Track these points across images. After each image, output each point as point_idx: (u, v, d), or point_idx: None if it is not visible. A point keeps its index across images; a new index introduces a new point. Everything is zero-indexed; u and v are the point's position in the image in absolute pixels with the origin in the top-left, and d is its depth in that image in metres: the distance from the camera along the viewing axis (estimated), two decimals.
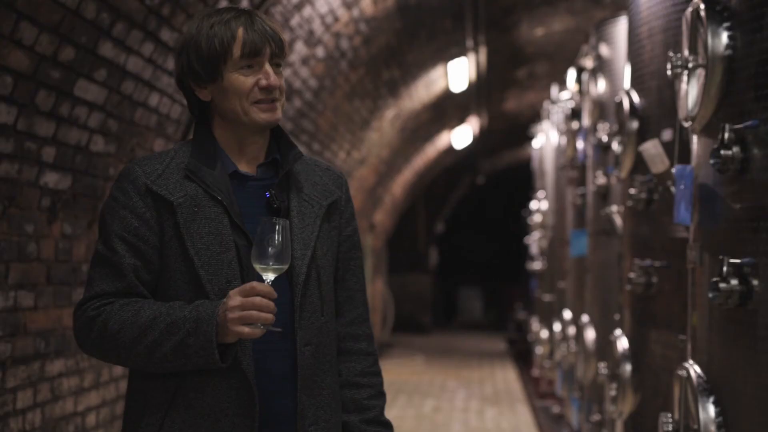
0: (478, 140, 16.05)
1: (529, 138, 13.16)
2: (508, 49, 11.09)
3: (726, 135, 2.64)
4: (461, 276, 22.60)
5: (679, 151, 3.49)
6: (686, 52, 3.02)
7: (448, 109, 13.38)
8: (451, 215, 22.26)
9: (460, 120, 14.39)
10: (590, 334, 5.95)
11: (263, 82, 2.30)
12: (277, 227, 2.18)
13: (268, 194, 2.35)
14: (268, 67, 2.31)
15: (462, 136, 15.16)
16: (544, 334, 9.76)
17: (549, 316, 9.44)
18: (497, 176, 21.56)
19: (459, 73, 10.96)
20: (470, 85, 11.81)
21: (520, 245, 14.67)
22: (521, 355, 14.71)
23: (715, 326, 2.84)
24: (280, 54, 2.33)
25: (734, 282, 2.58)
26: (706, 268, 2.94)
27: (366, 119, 10.46)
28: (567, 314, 7.59)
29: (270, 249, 2.17)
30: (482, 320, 21.93)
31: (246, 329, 2.16)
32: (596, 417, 5.70)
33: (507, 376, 12.98)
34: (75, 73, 3.97)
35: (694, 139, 3.12)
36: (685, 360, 3.11)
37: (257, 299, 2.15)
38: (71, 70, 3.93)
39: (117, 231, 2.27)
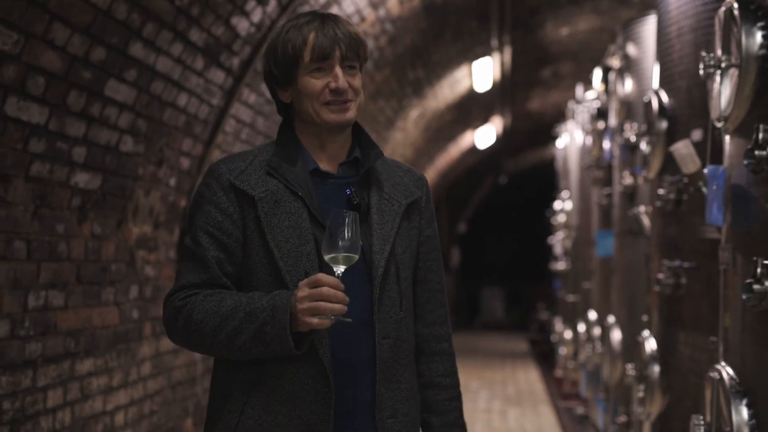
0: (502, 140, 16.03)
1: (553, 138, 13.12)
2: (533, 48, 11.06)
3: (760, 135, 2.63)
4: (484, 276, 22.57)
5: (710, 151, 3.47)
6: (719, 52, 3.00)
7: (472, 109, 13.36)
8: (474, 215, 22.24)
9: (484, 120, 14.36)
10: (616, 335, 5.93)
11: (332, 84, 2.38)
12: (347, 220, 2.23)
13: (348, 191, 2.43)
14: (338, 69, 2.39)
15: (485, 135, 15.13)
16: (568, 334, 9.73)
17: (573, 316, 9.41)
18: (520, 176, 21.52)
19: (483, 73, 10.94)
20: (494, 85, 11.79)
21: (543, 245, 14.63)
22: (544, 355, 14.66)
23: (749, 328, 2.82)
24: (352, 56, 2.40)
25: None
26: (738, 269, 2.92)
27: (391, 119, 10.46)
28: (592, 315, 7.56)
29: (340, 241, 2.22)
30: (504, 321, 21.88)
31: (315, 320, 2.22)
32: (622, 418, 5.68)
33: (529, 377, 12.95)
34: (106, 73, 3.99)
35: (727, 139, 3.10)
36: (716, 362, 3.09)
37: (325, 290, 2.21)
38: (102, 70, 3.95)
39: (202, 225, 2.38)
